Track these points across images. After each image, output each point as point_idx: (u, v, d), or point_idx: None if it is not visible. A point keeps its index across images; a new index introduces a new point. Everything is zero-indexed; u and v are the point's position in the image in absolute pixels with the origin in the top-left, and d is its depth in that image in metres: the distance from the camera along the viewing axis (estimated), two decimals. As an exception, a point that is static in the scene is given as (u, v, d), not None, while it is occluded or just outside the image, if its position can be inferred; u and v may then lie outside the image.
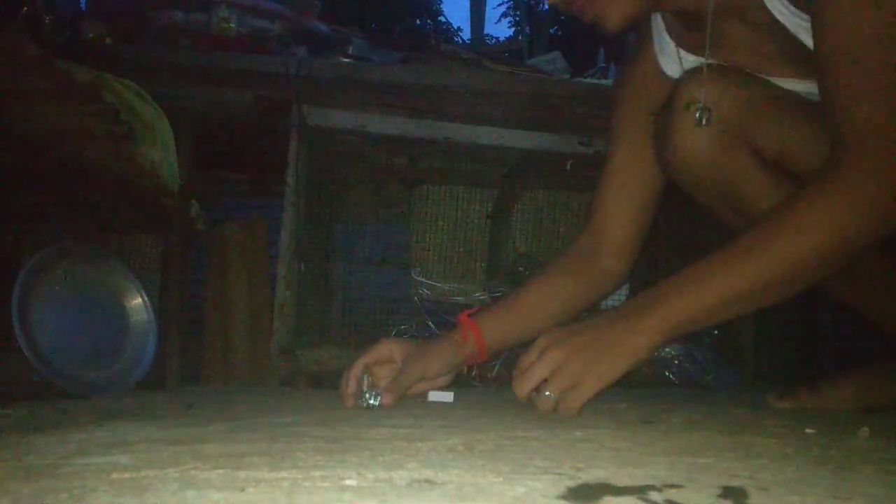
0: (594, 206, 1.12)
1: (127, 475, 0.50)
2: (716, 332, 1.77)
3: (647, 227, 1.11)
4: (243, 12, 1.72)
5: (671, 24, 1.04)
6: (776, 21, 0.88)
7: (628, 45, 1.12)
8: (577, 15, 0.91)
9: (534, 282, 1.10)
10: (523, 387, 0.85)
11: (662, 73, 1.06)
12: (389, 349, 1.01)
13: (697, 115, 0.93)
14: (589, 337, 0.83)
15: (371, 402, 0.98)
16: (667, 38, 1.04)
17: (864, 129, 0.77)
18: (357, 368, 0.99)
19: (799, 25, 0.86)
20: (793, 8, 0.86)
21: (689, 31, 1.00)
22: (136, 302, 1.43)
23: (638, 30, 1.09)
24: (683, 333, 0.85)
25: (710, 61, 0.95)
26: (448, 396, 1.05)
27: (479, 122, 1.67)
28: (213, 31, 1.67)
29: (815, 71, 0.83)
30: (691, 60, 1.01)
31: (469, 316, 1.04)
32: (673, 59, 1.04)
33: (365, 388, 1.00)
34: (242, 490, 0.45)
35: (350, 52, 1.77)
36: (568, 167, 1.76)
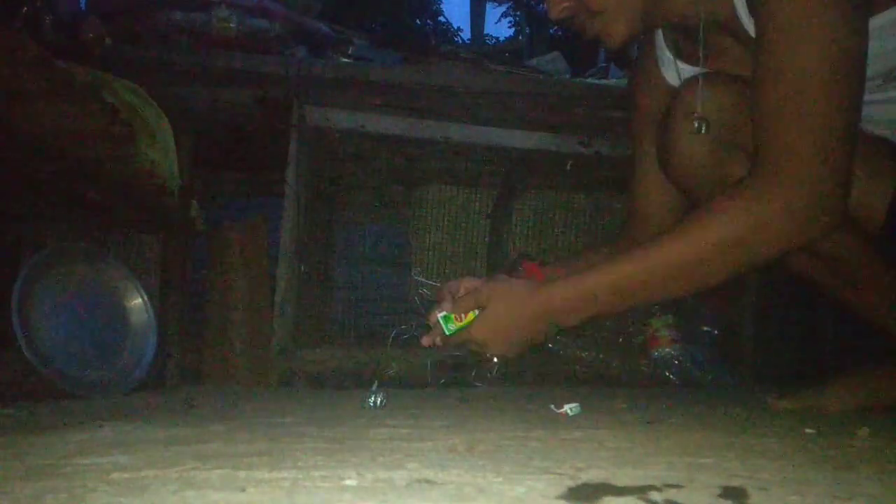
0: (631, 201, 1.19)
1: (127, 475, 0.50)
2: (716, 331, 1.77)
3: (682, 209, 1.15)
4: (243, 12, 1.71)
5: (668, 35, 1.08)
6: (750, 35, 0.91)
7: (633, 54, 1.15)
8: (579, 32, 0.96)
9: (591, 249, 1.21)
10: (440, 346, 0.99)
11: (664, 81, 1.09)
12: (462, 285, 1.04)
13: (696, 124, 0.96)
14: (518, 336, 0.94)
15: (374, 402, 0.98)
16: (665, 49, 1.08)
17: (783, 152, 0.81)
18: (445, 304, 1.01)
19: None
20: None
21: (684, 42, 1.04)
22: (136, 302, 1.43)
23: (640, 40, 1.13)
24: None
25: (705, 69, 0.99)
26: None
27: (479, 122, 1.67)
28: (213, 31, 1.67)
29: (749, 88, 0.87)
30: (687, 70, 1.04)
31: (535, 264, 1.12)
32: (671, 69, 1.07)
33: (372, 389, 1.01)
34: (242, 490, 0.45)
35: (350, 52, 1.77)
36: (568, 167, 1.76)
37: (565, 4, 0.94)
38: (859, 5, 0.80)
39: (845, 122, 0.81)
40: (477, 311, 0.96)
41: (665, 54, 1.08)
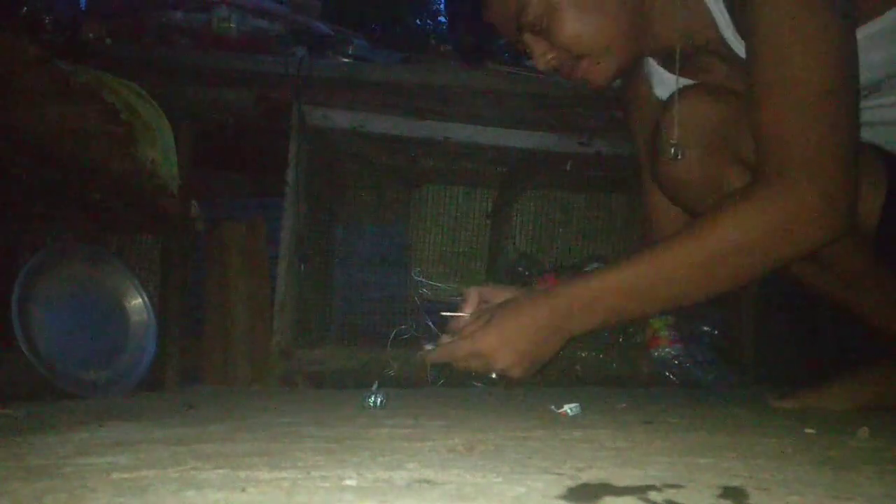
0: (644, 220, 1.19)
1: (127, 475, 0.50)
2: (716, 331, 1.77)
3: None
4: (243, 12, 1.71)
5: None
6: (739, 57, 0.91)
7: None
8: (567, 77, 0.97)
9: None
10: (460, 369, 0.93)
11: (655, 97, 1.09)
12: (489, 293, 0.99)
13: (672, 151, 0.96)
14: (524, 344, 0.88)
15: (374, 402, 0.98)
16: (653, 63, 1.08)
17: (790, 154, 0.81)
18: (471, 304, 0.97)
19: None
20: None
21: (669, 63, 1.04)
22: (136, 302, 1.43)
23: None
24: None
25: (688, 81, 1.00)
26: None
27: (479, 122, 1.67)
28: (213, 31, 1.67)
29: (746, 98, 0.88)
30: (681, 82, 1.03)
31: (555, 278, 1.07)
32: (662, 82, 1.07)
33: (372, 389, 1.01)
34: (242, 490, 0.45)
35: (350, 52, 1.77)
36: (568, 167, 1.76)
37: (550, 56, 0.95)
38: (846, 15, 0.81)
39: (847, 121, 0.82)
40: None
41: (656, 70, 1.08)
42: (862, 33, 0.85)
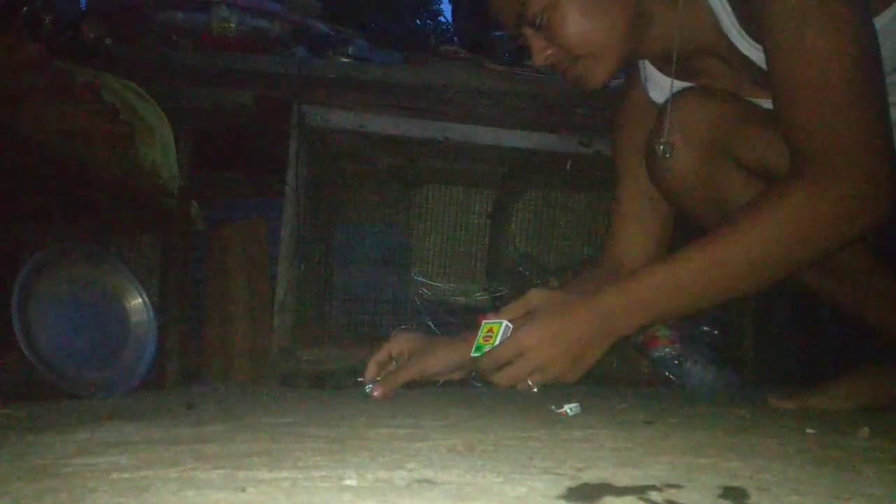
0: (610, 236, 1.16)
1: (127, 475, 0.50)
2: (716, 331, 1.77)
3: (665, 246, 1.13)
4: (243, 12, 1.71)
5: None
6: (744, 55, 0.92)
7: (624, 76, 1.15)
8: (562, 75, 0.97)
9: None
10: (505, 381, 0.91)
11: (651, 100, 1.09)
12: (400, 345, 1.02)
13: (661, 148, 0.97)
14: (569, 340, 0.88)
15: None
16: (650, 67, 1.08)
17: (823, 145, 0.81)
18: (372, 368, 1.00)
19: (762, 58, 0.89)
20: (753, 41, 0.89)
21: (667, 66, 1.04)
22: (136, 302, 1.43)
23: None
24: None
25: (683, 84, 1.00)
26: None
27: (479, 122, 1.67)
28: (213, 31, 1.67)
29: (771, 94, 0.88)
30: (676, 86, 1.04)
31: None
32: (658, 87, 1.07)
33: (373, 387, 1.01)
34: (242, 490, 0.45)
35: (350, 52, 1.77)
36: (568, 167, 1.76)
37: (548, 52, 0.95)
38: (861, 4, 0.81)
39: (876, 105, 0.82)
40: (505, 324, 0.90)
41: (650, 70, 1.08)
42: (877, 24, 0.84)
